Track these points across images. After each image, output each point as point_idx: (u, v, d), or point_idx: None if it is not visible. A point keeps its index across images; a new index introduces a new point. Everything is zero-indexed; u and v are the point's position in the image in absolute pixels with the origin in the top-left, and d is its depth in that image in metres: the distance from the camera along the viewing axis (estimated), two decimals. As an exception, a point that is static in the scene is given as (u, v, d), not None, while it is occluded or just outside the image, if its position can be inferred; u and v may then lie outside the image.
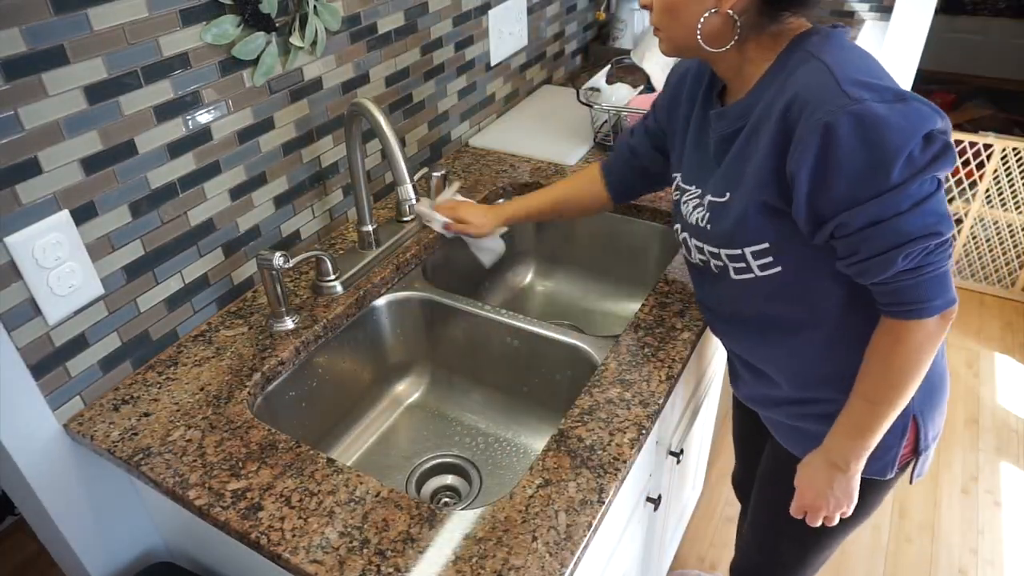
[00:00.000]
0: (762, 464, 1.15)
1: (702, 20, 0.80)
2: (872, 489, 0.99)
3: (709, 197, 0.90)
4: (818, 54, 0.77)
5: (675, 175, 1.00)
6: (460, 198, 1.28)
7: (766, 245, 0.84)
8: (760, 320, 0.94)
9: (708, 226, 0.90)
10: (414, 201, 1.05)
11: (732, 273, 0.90)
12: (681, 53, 0.88)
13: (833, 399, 0.91)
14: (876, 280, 0.78)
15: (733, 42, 0.82)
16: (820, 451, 0.94)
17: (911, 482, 1.00)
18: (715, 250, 0.90)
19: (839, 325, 0.89)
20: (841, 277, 0.83)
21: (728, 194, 0.87)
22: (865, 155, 0.71)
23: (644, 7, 0.87)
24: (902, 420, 0.92)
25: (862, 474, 0.92)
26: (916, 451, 0.97)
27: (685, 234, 0.96)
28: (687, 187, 0.96)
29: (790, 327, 0.92)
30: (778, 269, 0.86)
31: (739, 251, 0.87)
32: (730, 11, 0.79)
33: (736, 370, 1.08)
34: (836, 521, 0.97)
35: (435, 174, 1.38)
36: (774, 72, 0.81)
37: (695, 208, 0.93)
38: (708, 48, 0.83)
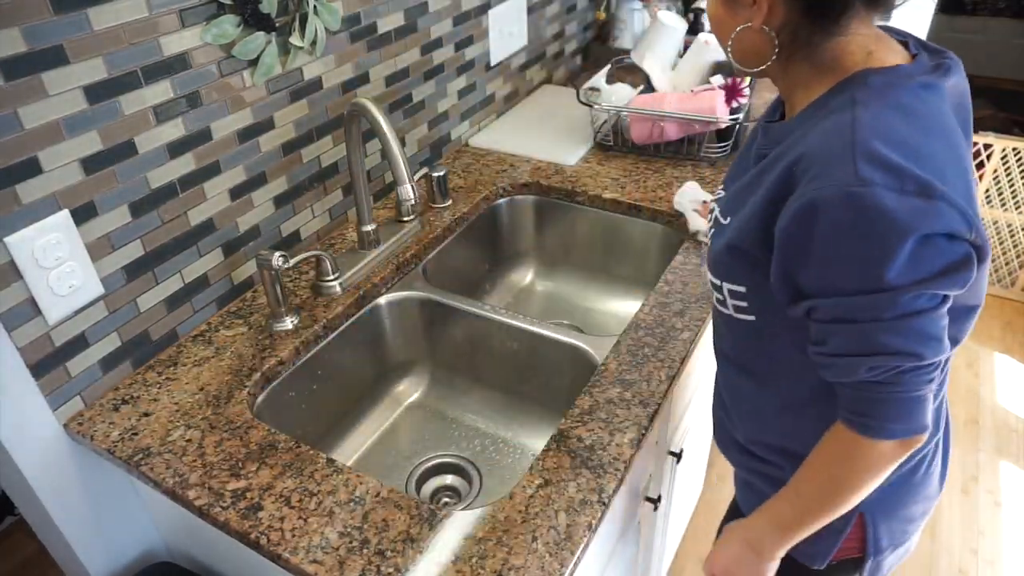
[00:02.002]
0: (726, 513, 1.11)
1: (733, 35, 0.73)
2: (793, 571, 0.88)
3: (719, 214, 0.82)
4: (859, 105, 0.65)
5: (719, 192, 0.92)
6: None
7: (743, 289, 0.78)
8: (733, 358, 0.89)
9: (708, 242, 0.85)
10: (414, 201, 1.05)
11: (715, 299, 0.85)
12: (742, 73, 0.79)
13: (781, 466, 0.86)
14: (837, 380, 0.71)
15: (771, 61, 0.72)
16: (742, 524, 0.86)
17: None
18: (706, 269, 0.84)
19: (801, 400, 0.81)
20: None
21: (729, 218, 0.79)
22: (853, 245, 0.62)
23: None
24: (843, 515, 0.80)
25: (791, 551, 0.83)
26: (864, 552, 0.86)
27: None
28: (719, 190, 0.88)
29: (755, 379, 0.86)
30: (751, 318, 0.79)
31: (719, 283, 0.80)
32: (765, 27, 0.70)
33: (716, 398, 1.01)
34: None
35: (435, 174, 1.38)
36: (816, 107, 0.71)
37: (711, 215, 0.86)
38: (741, 67, 0.76)
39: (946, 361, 0.73)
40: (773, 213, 0.69)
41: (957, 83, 0.72)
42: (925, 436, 0.69)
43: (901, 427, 0.69)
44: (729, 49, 0.75)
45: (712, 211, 0.86)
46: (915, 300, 0.63)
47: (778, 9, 0.68)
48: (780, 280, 0.70)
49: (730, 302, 0.80)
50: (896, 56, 0.70)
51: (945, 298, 0.65)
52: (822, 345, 0.70)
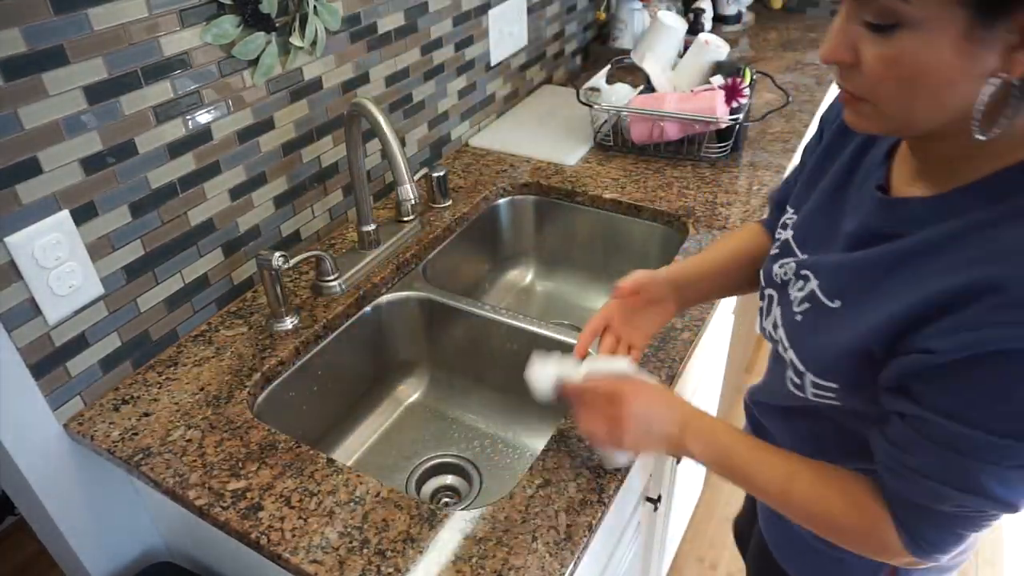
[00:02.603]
0: (751, 544, 1.04)
1: (985, 97, 0.51)
2: None
3: (816, 289, 0.68)
4: None
5: (789, 210, 0.79)
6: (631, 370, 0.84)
7: (835, 386, 0.66)
8: (789, 407, 0.80)
9: (799, 319, 0.70)
10: (414, 201, 1.05)
11: (790, 379, 0.72)
12: (901, 134, 0.62)
13: None
14: (908, 495, 0.61)
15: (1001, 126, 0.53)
16: (679, 406, 0.76)
17: None
18: (787, 346, 0.71)
19: (851, 448, 0.72)
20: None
21: (840, 303, 0.65)
22: (1016, 396, 0.52)
23: (834, 63, 0.56)
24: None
25: None
26: None
27: (770, 290, 0.77)
28: (795, 248, 0.74)
29: (811, 421, 0.78)
30: (836, 404, 0.68)
31: (810, 376, 0.68)
32: (1016, 81, 0.50)
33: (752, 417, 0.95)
34: (597, 449, 0.82)
35: (435, 174, 1.38)
36: (996, 188, 0.55)
37: (793, 281, 0.72)
38: (981, 136, 0.53)
39: None
40: (925, 321, 0.55)
41: None
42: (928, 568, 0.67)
43: (929, 547, 0.62)
44: (976, 124, 0.52)
45: (783, 261, 0.75)
46: None
47: None
48: (893, 380, 0.59)
49: (810, 389, 0.69)
50: None
51: None
52: (902, 451, 0.60)
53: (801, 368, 0.69)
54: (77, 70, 0.86)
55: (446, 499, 1.16)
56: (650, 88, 1.63)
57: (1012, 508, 0.57)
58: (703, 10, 2.08)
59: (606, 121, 1.57)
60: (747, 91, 1.47)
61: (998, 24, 0.48)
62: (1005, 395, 0.52)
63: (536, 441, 1.22)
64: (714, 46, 1.60)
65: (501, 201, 1.50)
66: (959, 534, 0.61)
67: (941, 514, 0.60)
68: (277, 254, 1.04)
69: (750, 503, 1.17)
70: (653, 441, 0.76)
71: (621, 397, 0.76)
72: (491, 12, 1.59)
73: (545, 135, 1.65)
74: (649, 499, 1.18)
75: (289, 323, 1.10)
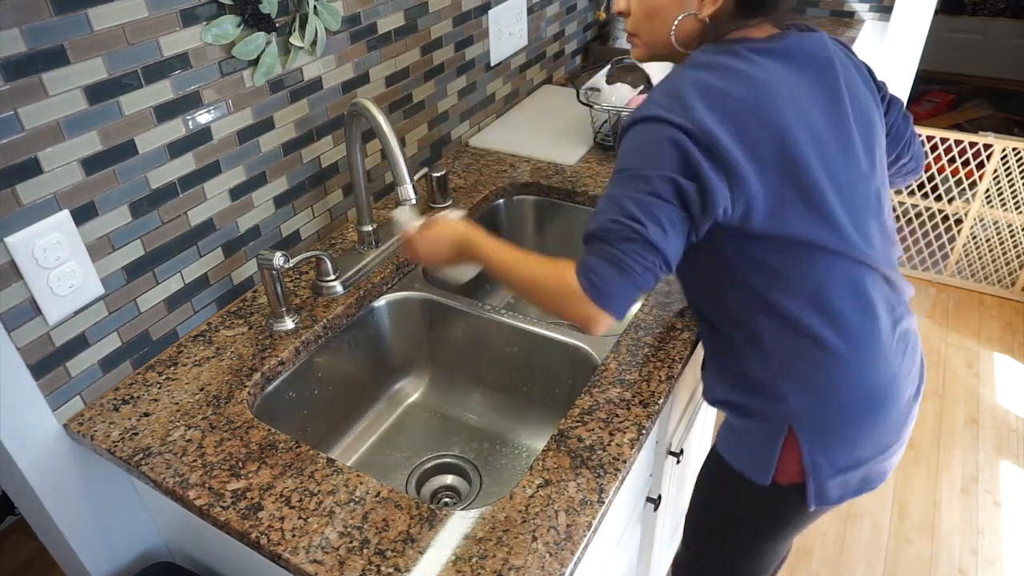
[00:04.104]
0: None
1: (676, 22, 0.85)
2: (746, 488, 0.96)
3: None
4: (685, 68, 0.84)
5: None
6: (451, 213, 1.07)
7: None
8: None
9: None
10: (414, 201, 1.05)
11: None
12: (653, 57, 0.93)
13: (738, 403, 0.95)
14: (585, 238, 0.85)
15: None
16: (466, 227, 0.97)
17: (809, 508, 0.94)
18: None
19: (729, 329, 0.93)
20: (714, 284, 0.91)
21: None
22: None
23: (620, 14, 0.90)
24: (772, 423, 0.92)
25: (738, 465, 0.97)
26: (803, 474, 0.92)
27: None
28: None
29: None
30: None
31: None
32: (707, 18, 0.84)
33: None
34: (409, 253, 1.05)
35: (435, 174, 1.38)
36: None
37: None
38: (681, 49, 0.88)
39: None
40: None
41: (802, 49, 0.85)
42: (607, 321, 0.82)
43: (603, 287, 0.80)
44: (673, 34, 0.86)
45: None
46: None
47: (725, 2, 0.83)
48: None
49: None
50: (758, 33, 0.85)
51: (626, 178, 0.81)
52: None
53: None
54: (77, 70, 0.86)
55: (446, 499, 1.16)
56: (650, 88, 1.63)
57: (635, 222, 0.78)
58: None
59: (606, 121, 1.57)
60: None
61: None
62: (621, 150, 0.82)
63: (536, 441, 1.22)
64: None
65: (501, 201, 1.50)
66: (611, 259, 0.79)
67: (604, 251, 0.79)
68: (277, 254, 1.04)
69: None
70: (444, 250, 0.99)
71: (425, 227, 1.02)
72: (491, 12, 1.59)
73: (545, 135, 1.65)
74: (649, 499, 1.18)
75: (289, 323, 1.10)
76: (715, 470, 1.04)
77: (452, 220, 1.00)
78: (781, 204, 0.80)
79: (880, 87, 0.98)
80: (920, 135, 1.12)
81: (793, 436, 0.91)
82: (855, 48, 2.11)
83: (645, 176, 0.78)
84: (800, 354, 0.88)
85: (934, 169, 2.67)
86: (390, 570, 0.76)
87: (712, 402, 1.01)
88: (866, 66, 0.96)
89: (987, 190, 2.57)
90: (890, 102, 1.00)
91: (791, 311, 0.86)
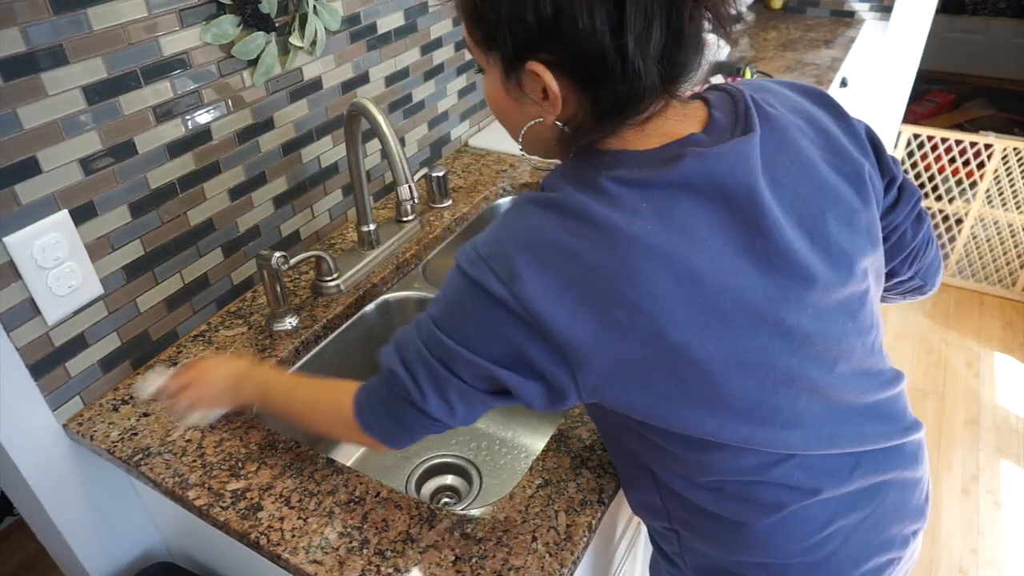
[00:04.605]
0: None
1: (524, 130, 0.67)
2: None
3: None
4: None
5: None
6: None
7: None
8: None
9: None
10: (414, 201, 1.05)
11: None
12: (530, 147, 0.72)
13: (651, 533, 0.84)
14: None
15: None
16: (242, 368, 0.90)
17: None
18: None
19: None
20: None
21: None
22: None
23: None
24: (675, 571, 0.82)
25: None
26: None
27: None
28: None
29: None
30: None
31: None
32: (557, 122, 0.63)
33: None
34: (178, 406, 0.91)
35: (435, 174, 1.38)
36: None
37: None
38: (530, 155, 0.71)
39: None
40: None
41: (705, 173, 0.60)
42: (371, 440, 0.74)
43: (369, 417, 0.73)
44: (520, 142, 0.69)
45: None
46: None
47: (571, 105, 0.61)
48: None
49: None
50: (650, 140, 0.62)
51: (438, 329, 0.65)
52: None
53: None
54: (77, 70, 0.86)
55: (446, 499, 1.16)
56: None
57: (397, 378, 0.68)
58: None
59: (606, 121, 1.56)
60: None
61: (519, 77, 0.62)
62: (444, 286, 0.65)
63: (536, 441, 1.22)
64: (714, 46, 1.60)
65: (501, 201, 1.50)
66: (390, 409, 0.70)
67: (383, 398, 0.71)
68: (277, 254, 1.03)
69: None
70: (223, 396, 0.90)
71: (181, 375, 0.91)
72: (491, 12, 1.59)
73: (545, 135, 1.64)
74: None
75: (289, 323, 1.10)
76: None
77: (220, 357, 0.97)
78: (655, 397, 0.62)
79: (883, 162, 0.72)
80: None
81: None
82: (855, 48, 2.10)
83: (448, 345, 0.63)
84: (698, 528, 0.75)
85: (934, 169, 2.67)
86: (390, 570, 0.76)
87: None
88: (870, 136, 0.72)
89: (987, 190, 2.57)
90: (901, 189, 0.74)
91: (685, 491, 0.71)
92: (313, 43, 1.15)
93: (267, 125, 1.14)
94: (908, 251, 0.78)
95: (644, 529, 1.23)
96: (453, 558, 0.77)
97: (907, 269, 0.80)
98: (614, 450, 0.80)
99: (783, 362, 0.62)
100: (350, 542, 0.79)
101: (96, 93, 0.89)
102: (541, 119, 0.64)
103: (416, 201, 1.06)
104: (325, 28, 1.16)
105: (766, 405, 0.63)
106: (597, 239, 0.58)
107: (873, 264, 0.68)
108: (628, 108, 0.60)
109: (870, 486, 0.71)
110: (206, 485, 0.86)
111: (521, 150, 0.71)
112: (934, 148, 2.60)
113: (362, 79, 1.30)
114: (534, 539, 0.78)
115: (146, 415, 0.96)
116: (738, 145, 0.61)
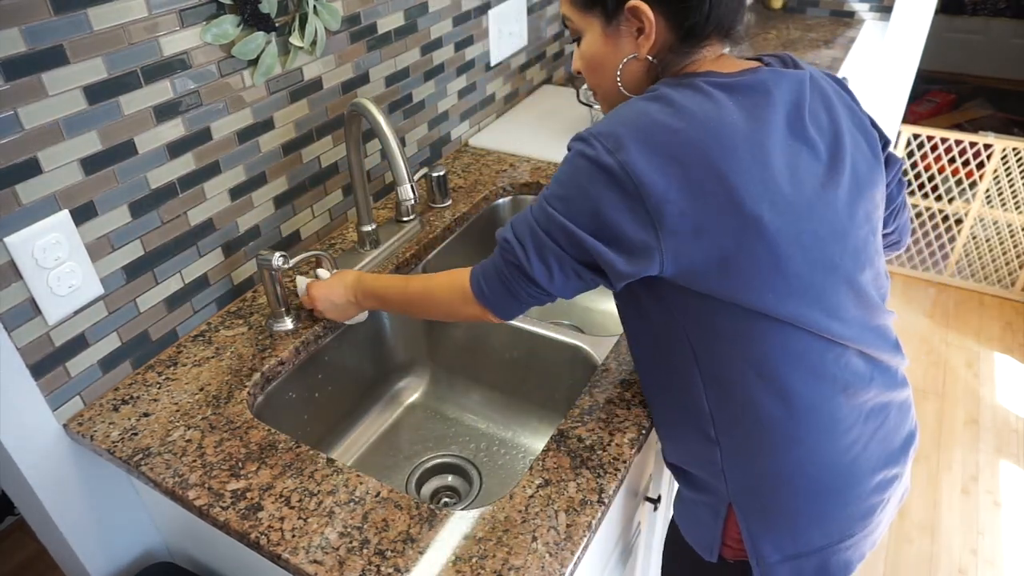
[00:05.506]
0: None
1: (620, 68, 0.79)
2: (699, 561, 0.91)
3: None
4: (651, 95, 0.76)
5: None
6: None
7: None
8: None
9: None
10: (413, 201, 1.05)
11: None
12: (610, 104, 0.84)
13: (685, 471, 0.89)
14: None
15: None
16: (352, 278, 1.04)
17: None
18: None
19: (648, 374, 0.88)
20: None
21: None
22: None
23: (577, 74, 0.86)
24: (714, 498, 0.86)
25: (688, 538, 0.93)
26: (748, 556, 0.86)
27: None
28: None
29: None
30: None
31: None
32: (649, 56, 0.77)
33: None
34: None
35: (435, 174, 1.38)
36: None
37: None
38: (631, 95, 0.80)
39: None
40: None
41: (772, 84, 0.75)
42: (489, 313, 0.84)
43: (488, 292, 0.83)
44: (619, 81, 0.80)
45: None
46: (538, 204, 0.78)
47: (661, 37, 0.75)
48: None
49: None
50: (725, 66, 0.77)
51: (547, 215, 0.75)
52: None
53: None
54: (77, 70, 0.86)
55: (446, 499, 1.16)
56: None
57: (509, 245, 0.78)
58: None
59: (606, 121, 1.57)
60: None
61: (618, 20, 0.76)
62: (560, 166, 0.76)
63: (536, 441, 1.22)
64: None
65: (501, 201, 1.50)
66: (502, 276, 0.80)
67: (497, 267, 0.81)
68: (277, 254, 1.03)
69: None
70: (340, 307, 1.06)
71: (314, 287, 1.08)
72: (491, 12, 1.59)
73: (545, 135, 1.65)
74: (649, 499, 1.18)
75: (289, 323, 1.10)
76: (673, 535, 0.99)
77: (337, 272, 1.08)
78: (725, 266, 0.71)
79: (881, 137, 0.87)
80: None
81: (734, 517, 0.84)
82: (855, 48, 2.11)
83: (552, 214, 0.74)
84: (742, 429, 0.80)
85: (934, 169, 2.67)
86: (390, 570, 0.76)
87: (667, 465, 0.94)
88: (868, 115, 0.87)
89: (987, 190, 2.57)
90: (888, 159, 0.89)
91: (734, 380, 0.78)
92: (313, 43, 1.15)
93: (267, 125, 1.14)
94: (893, 207, 0.92)
95: (644, 529, 1.23)
96: (453, 558, 0.77)
97: (891, 222, 0.94)
98: (659, 373, 0.85)
99: (829, 248, 0.74)
100: (350, 542, 0.79)
101: (96, 93, 0.89)
102: (635, 55, 0.77)
103: (416, 201, 1.06)
104: (325, 28, 1.16)
105: (816, 288, 0.74)
106: (695, 121, 0.69)
107: (878, 201, 0.83)
108: (706, 30, 0.74)
109: (879, 404, 0.83)
110: (206, 485, 0.86)
111: (588, 102, 0.83)
112: (934, 148, 2.60)
113: (362, 79, 1.30)
114: (534, 539, 0.78)
115: (146, 415, 0.96)
116: (795, 72, 0.77)
